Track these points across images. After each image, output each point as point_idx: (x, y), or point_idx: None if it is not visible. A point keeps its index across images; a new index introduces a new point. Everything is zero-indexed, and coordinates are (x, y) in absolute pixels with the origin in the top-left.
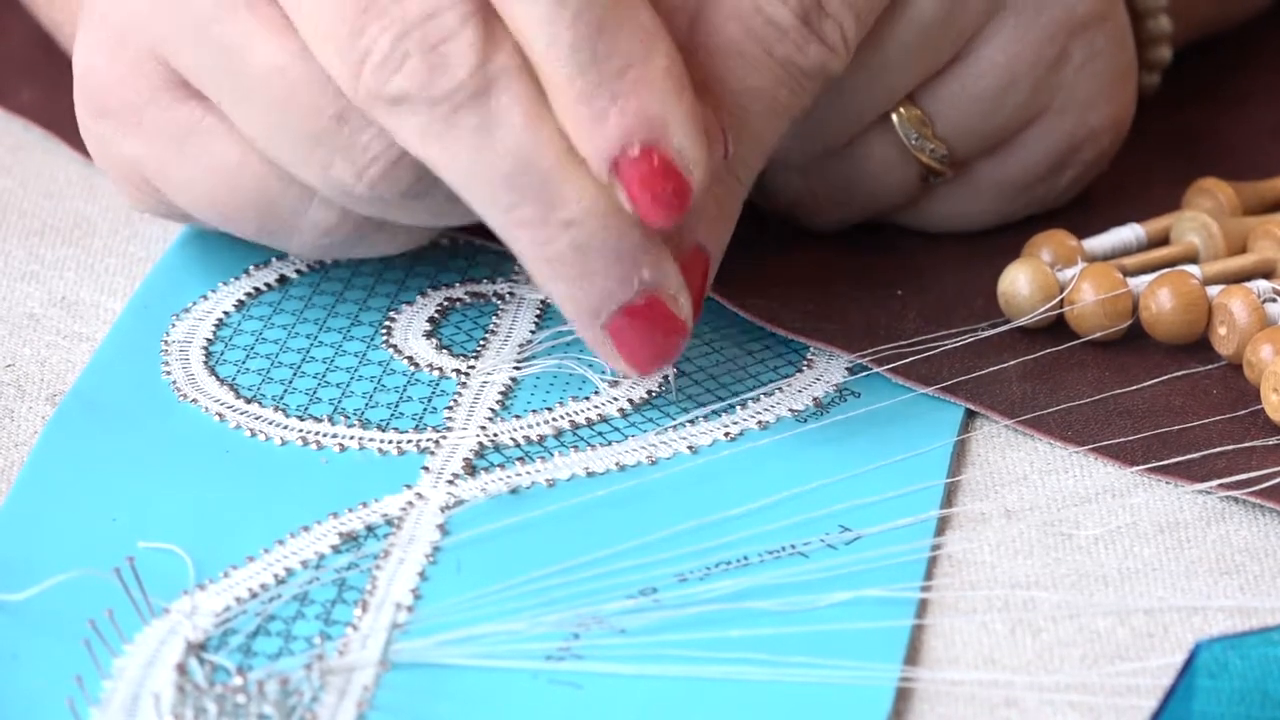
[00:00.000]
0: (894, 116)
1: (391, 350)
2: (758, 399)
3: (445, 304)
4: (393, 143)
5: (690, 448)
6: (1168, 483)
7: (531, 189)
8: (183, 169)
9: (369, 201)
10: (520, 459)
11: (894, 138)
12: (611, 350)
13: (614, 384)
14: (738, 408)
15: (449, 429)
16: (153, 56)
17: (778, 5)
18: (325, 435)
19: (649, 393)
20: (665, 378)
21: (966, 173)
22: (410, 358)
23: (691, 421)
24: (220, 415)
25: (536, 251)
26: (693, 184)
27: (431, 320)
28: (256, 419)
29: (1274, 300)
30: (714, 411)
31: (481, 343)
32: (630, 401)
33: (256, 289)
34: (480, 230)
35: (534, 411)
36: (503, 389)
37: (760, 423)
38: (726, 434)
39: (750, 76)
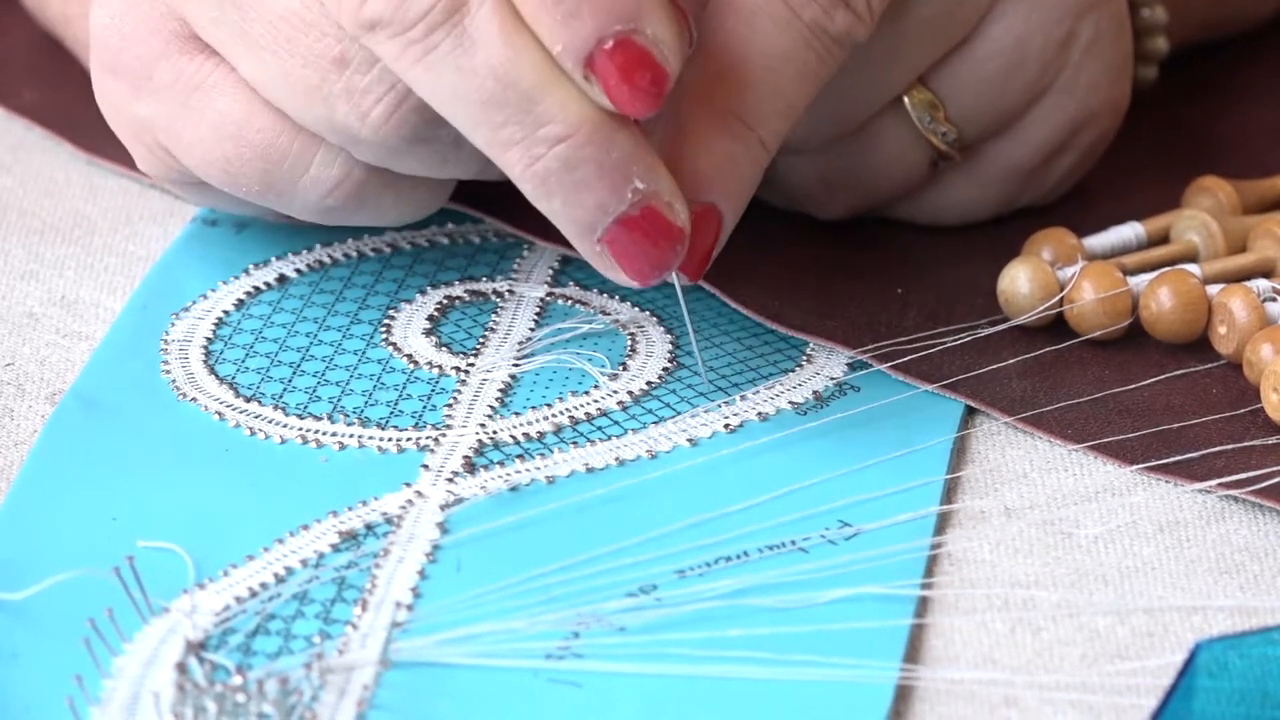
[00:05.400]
0: (906, 100)
1: (391, 348)
2: (757, 391)
3: (445, 302)
4: (393, 85)
5: (690, 440)
6: (1167, 482)
7: (515, 106)
8: (191, 126)
9: (374, 147)
10: (520, 456)
11: (906, 122)
12: (611, 263)
13: (613, 377)
14: (737, 399)
15: (448, 427)
16: (166, 9)
17: None
18: (325, 433)
19: (648, 384)
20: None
21: (971, 156)
22: (410, 356)
23: (692, 414)
24: (220, 414)
25: (526, 169)
26: (669, 71)
27: (431, 318)
28: (256, 417)
29: (1274, 299)
30: (714, 403)
31: (481, 340)
32: (630, 394)
33: (256, 288)
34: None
35: (533, 408)
36: (502, 386)
37: (760, 414)
38: (726, 425)
39: (780, 38)
